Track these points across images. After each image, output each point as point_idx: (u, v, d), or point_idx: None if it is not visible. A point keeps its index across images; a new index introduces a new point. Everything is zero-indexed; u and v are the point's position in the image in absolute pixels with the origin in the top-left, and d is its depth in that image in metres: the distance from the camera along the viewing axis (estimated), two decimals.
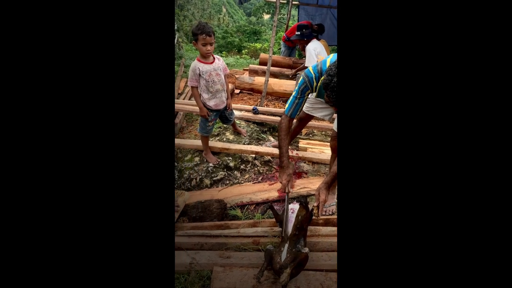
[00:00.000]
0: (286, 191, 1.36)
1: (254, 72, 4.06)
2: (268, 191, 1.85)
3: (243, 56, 7.72)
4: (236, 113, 2.62)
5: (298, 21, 5.06)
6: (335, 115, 1.73)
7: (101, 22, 0.56)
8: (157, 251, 0.59)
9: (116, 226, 0.57)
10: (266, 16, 13.23)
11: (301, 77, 1.34)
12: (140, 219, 0.58)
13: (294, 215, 1.28)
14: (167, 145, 0.62)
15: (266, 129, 2.75)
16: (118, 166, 0.58)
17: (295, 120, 2.07)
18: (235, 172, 2.10)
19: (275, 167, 2.16)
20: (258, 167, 2.15)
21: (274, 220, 1.46)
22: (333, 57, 1.33)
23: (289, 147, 2.26)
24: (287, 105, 1.39)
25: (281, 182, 1.38)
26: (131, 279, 0.57)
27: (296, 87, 1.36)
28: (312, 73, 1.30)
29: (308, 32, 3.07)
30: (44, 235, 0.54)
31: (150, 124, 0.60)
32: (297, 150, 2.32)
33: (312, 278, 1.19)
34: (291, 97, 1.37)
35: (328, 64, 1.21)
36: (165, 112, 0.61)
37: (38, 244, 0.54)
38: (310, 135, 2.75)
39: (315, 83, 1.30)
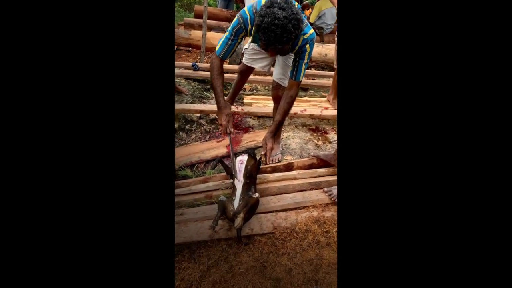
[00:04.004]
0: (228, 131, 1.34)
1: (190, 26, 3.74)
2: (216, 148, 1.85)
3: (176, 9, 6.98)
4: (175, 70, 2.44)
5: None
6: (273, 68, 1.73)
7: (100, 22, 0.54)
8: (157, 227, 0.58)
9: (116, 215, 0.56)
10: None
11: (236, 17, 1.24)
12: (139, 205, 0.57)
13: (244, 165, 1.32)
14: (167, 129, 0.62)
15: (208, 86, 2.64)
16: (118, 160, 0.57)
17: (237, 74, 2.03)
18: (180, 133, 2.02)
19: None
20: (205, 126, 2.11)
21: (225, 174, 1.50)
22: None
23: (234, 104, 2.24)
24: (218, 45, 1.29)
25: (220, 124, 1.33)
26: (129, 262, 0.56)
27: (230, 28, 1.25)
28: (248, 14, 1.20)
29: None
30: (44, 229, 0.52)
31: (150, 116, 0.59)
32: (242, 105, 2.32)
33: (264, 219, 1.28)
34: (224, 37, 1.27)
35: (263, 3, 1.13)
36: (165, 108, 0.60)
37: (38, 240, 0.52)
38: (254, 91, 2.75)
39: (249, 26, 1.22)
